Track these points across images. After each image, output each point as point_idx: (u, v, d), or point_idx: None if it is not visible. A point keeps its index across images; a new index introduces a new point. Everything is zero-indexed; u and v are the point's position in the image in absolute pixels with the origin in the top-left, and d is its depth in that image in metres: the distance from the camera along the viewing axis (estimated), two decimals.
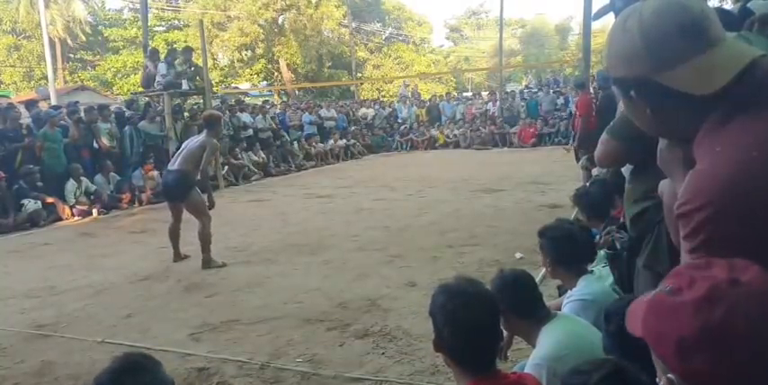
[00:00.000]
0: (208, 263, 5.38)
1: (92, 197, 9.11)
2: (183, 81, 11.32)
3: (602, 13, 2.03)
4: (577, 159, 8.65)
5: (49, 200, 8.48)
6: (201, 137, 5.70)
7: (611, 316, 1.49)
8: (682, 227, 0.96)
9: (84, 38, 29.34)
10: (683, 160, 1.07)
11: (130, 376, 1.51)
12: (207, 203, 5.56)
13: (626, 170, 1.94)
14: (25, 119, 9.67)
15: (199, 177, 5.54)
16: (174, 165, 5.64)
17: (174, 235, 5.74)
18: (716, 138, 0.96)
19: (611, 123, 1.84)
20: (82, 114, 9.97)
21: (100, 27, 31.14)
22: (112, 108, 11.86)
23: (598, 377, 1.13)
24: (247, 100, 19.60)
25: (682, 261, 1.03)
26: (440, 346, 1.56)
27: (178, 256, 5.73)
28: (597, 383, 1.13)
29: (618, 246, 1.95)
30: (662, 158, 1.17)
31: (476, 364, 1.53)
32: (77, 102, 11.54)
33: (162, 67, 11.28)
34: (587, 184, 5.62)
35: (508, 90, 21.86)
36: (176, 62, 11.53)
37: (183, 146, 5.91)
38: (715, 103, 0.96)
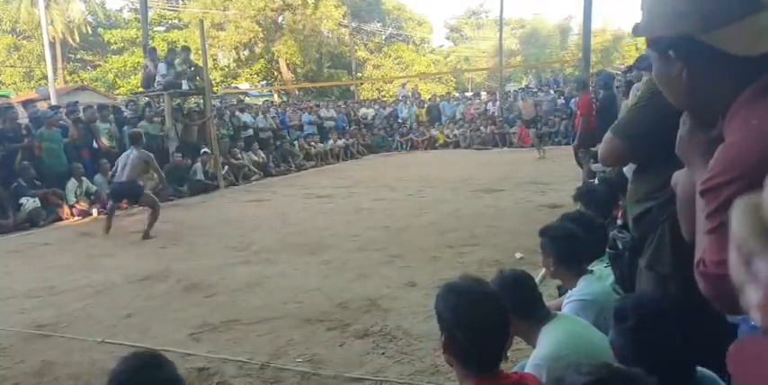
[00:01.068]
0: (147, 235, 6.99)
1: (92, 197, 9.11)
2: (182, 81, 11.32)
3: None
4: (577, 158, 8.66)
5: (50, 197, 8.50)
6: (136, 152, 7.31)
7: (625, 312, 1.43)
8: (706, 204, 0.92)
9: (79, 39, 29.31)
10: (706, 147, 1.03)
11: (147, 372, 1.52)
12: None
13: (628, 170, 1.94)
14: (23, 119, 9.67)
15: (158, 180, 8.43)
16: (122, 177, 7.23)
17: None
18: (753, 111, 0.92)
19: (616, 122, 1.83)
20: (81, 114, 9.97)
21: (99, 30, 31.01)
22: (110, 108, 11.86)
23: (585, 381, 1.10)
24: (247, 100, 19.63)
25: (697, 244, 0.97)
26: (449, 348, 1.52)
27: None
28: None
29: (620, 245, 1.95)
30: (681, 145, 1.13)
31: (483, 365, 1.50)
32: (77, 102, 11.55)
33: (162, 67, 11.29)
34: (595, 181, 5.62)
35: (508, 90, 21.86)
36: (176, 62, 11.54)
37: (122, 163, 7.37)
38: (756, 72, 0.94)
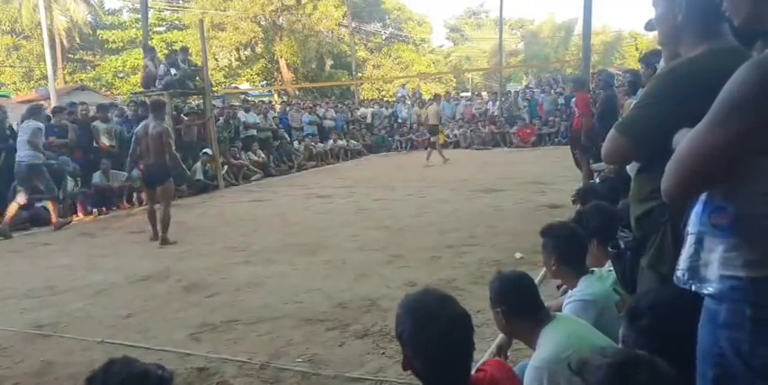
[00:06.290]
0: (165, 240, 6.48)
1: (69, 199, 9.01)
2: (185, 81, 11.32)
3: None
4: (575, 159, 8.66)
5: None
6: (153, 125, 6.47)
7: (641, 310, 1.42)
8: None
9: (79, 40, 29.28)
10: None
11: (113, 372, 1.55)
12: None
13: (631, 168, 1.93)
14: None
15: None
16: (149, 158, 6.58)
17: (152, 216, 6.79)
18: None
19: (621, 119, 1.82)
20: (78, 115, 9.96)
21: (99, 32, 30.92)
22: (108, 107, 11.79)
23: (609, 363, 1.13)
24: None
25: None
26: (408, 368, 1.49)
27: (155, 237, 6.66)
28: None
29: (622, 244, 1.94)
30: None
31: (446, 383, 1.49)
32: (74, 103, 11.49)
33: (162, 68, 11.28)
34: (596, 180, 5.61)
35: (508, 90, 21.86)
36: (179, 60, 11.54)
37: (144, 142, 6.57)
38: None
